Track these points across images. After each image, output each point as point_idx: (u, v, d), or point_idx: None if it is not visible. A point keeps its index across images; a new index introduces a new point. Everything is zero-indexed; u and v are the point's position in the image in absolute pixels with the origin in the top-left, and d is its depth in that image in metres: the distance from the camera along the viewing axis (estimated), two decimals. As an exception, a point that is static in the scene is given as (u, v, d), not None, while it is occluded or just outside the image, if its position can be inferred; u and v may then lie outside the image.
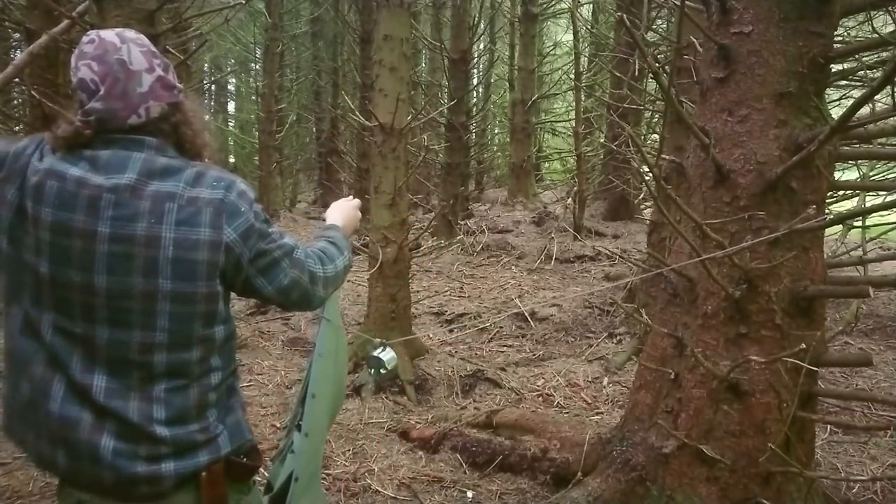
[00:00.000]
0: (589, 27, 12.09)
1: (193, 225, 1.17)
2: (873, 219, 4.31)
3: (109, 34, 1.21)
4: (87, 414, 1.16)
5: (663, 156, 2.71)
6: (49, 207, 1.13)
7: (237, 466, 1.31)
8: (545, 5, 12.73)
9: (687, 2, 2.34)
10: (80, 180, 1.14)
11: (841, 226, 4.49)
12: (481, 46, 14.80)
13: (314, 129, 18.76)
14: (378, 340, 2.17)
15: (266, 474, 2.03)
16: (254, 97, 17.24)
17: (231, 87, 23.07)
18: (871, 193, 4.29)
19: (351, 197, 1.79)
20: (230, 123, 20.67)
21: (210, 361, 1.24)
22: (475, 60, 13.56)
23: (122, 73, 1.18)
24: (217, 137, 1.45)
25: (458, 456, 3.42)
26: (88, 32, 1.22)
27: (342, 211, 1.70)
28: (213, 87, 20.47)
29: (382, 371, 2.09)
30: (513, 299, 6.51)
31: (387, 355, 2.09)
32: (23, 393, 1.19)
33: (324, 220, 1.70)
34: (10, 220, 1.15)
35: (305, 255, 1.37)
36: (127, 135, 1.19)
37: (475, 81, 14.38)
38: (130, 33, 1.23)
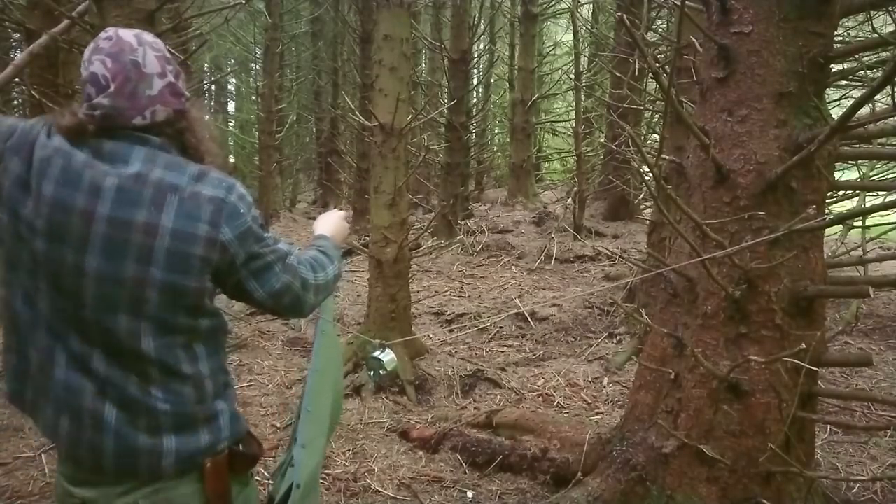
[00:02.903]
0: (589, 27, 12.09)
1: (193, 219, 1.18)
2: (873, 219, 4.31)
3: (128, 34, 1.22)
4: (89, 383, 1.18)
5: (663, 156, 2.71)
6: (52, 183, 1.14)
7: (239, 457, 1.33)
8: (545, 5, 12.71)
9: (687, 2, 2.34)
10: (87, 162, 1.16)
11: (841, 226, 4.49)
12: (481, 46, 14.79)
13: (314, 129, 18.76)
14: (377, 342, 2.18)
15: (267, 473, 2.04)
16: (254, 97, 17.22)
17: (231, 87, 23.07)
18: (871, 193, 4.28)
19: (338, 208, 1.81)
20: (230, 123, 20.66)
21: (195, 349, 1.25)
22: (475, 60, 13.54)
23: (134, 73, 1.20)
24: (221, 144, 1.46)
25: (458, 456, 3.43)
26: (107, 29, 1.24)
27: (330, 222, 1.72)
28: (213, 87, 20.48)
29: (382, 373, 2.10)
30: (513, 299, 6.51)
31: (386, 357, 2.10)
32: (31, 359, 1.20)
33: (313, 231, 1.72)
34: (11, 191, 1.16)
35: (298, 261, 1.38)
36: (132, 132, 1.21)
37: (475, 81, 14.37)
38: (148, 37, 1.25)
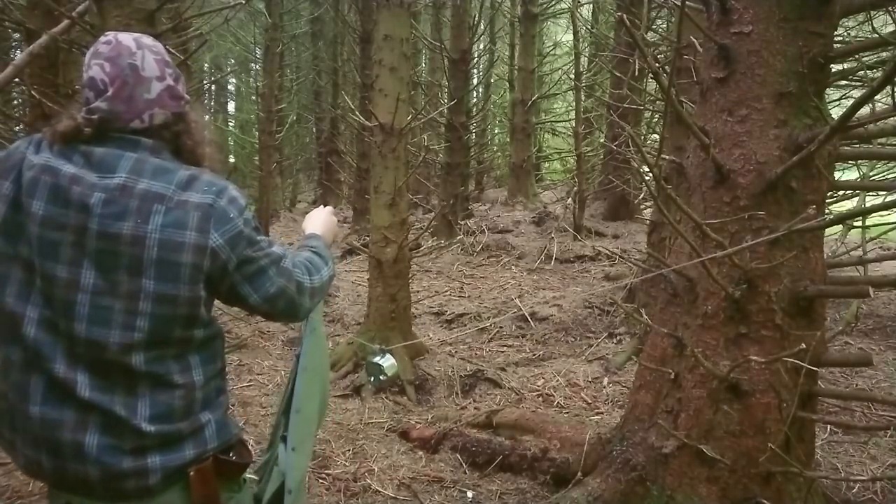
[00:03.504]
0: (589, 27, 12.09)
1: (179, 227, 1.17)
2: (873, 219, 4.31)
3: (127, 38, 1.23)
4: (69, 412, 1.16)
5: (663, 156, 2.71)
6: (41, 202, 1.14)
7: (226, 464, 1.30)
8: (545, 5, 12.71)
9: (687, 2, 2.34)
10: (74, 177, 1.15)
11: (841, 226, 4.48)
12: (481, 46, 14.80)
13: (314, 129, 18.75)
14: (378, 347, 2.17)
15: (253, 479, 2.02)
16: (254, 97, 17.21)
17: (231, 87, 23.06)
18: (871, 193, 4.28)
19: (336, 208, 1.79)
20: (230, 123, 20.66)
21: (188, 359, 1.24)
22: (475, 60, 13.54)
23: (132, 77, 1.20)
24: (220, 146, 1.45)
25: (458, 456, 3.43)
26: (107, 33, 1.24)
27: (320, 219, 1.69)
28: (213, 87, 20.46)
29: (382, 377, 2.09)
30: (513, 299, 6.51)
31: (386, 362, 2.09)
32: (8, 399, 1.19)
33: (303, 231, 1.69)
34: (5, 213, 1.16)
35: (293, 264, 1.36)
36: (124, 134, 1.21)
37: (475, 81, 14.37)
38: (147, 40, 1.25)
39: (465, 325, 5.92)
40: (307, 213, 1.78)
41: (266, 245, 1.30)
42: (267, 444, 1.68)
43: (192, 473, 1.24)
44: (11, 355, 1.17)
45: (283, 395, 1.65)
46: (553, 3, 13.17)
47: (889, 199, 2.20)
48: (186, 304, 1.19)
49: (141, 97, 1.20)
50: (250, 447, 1.47)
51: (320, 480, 3.15)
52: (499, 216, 10.64)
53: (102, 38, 1.23)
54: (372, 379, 2.15)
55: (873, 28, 2.95)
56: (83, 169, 1.16)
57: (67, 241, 1.14)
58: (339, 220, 1.79)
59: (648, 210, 8.72)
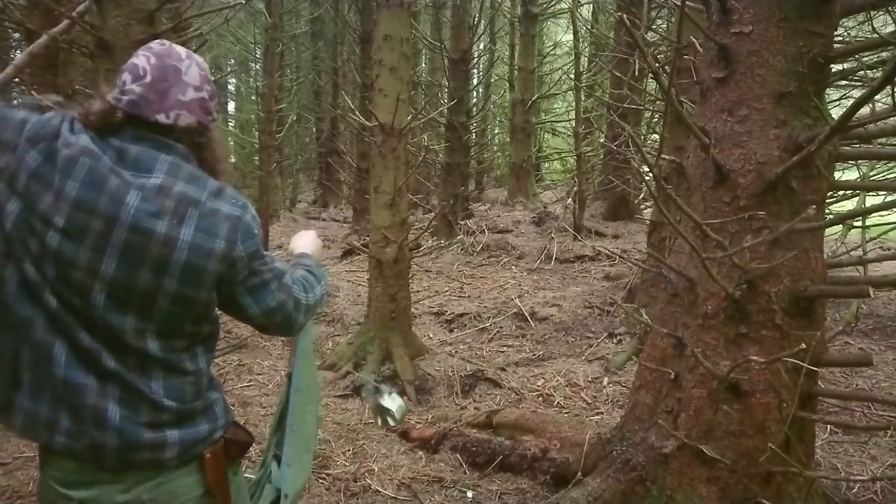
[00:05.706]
0: (589, 27, 12.09)
1: (210, 234, 1.21)
2: (873, 219, 4.30)
3: (182, 49, 1.29)
4: (92, 379, 1.18)
5: (663, 156, 2.71)
6: (77, 182, 1.15)
7: (233, 444, 1.37)
8: (545, 5, 12.73)
9: (687, 2, 2.34)
10: (113, 169, 1.17)
11: (841, 226, 4.48)
12: (481, 46, 14.79)
13: (314, 129, 18.76)
14: (380, 383, 2.13)
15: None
16: (254, 97, 17.21)
17: (231, 87, 23.04)
18: (871, 193, 4.28)
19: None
20: (230, 123, 20.63)
21: (195, 349, 1.30)
22: (475, 60, 13.55)
23: (172, 76, 1.24)
24: (233, 168, 1.51)
25: (458, 456, 3.42)
26: (163, 41, 1.30)
27: (308, 241, 1.76)
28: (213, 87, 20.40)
29: (390, 421, 2.07)
30: (513, 299, 6.51)
31: (394, 404, 2.06)
32: (21, 359, 1.19)
33: (291, 252, 1.74)
34: (29, 184, 1.15)
35: (292, 280, 1.42)
36: (158, 135, 1.23)
37: (475, 81, 14.38)
38: (198, 58, 1.32)
39: (465, 325, 5.92)
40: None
41: (270, 260, 1.36)
42: (259, 465, 1.71)
43: (207, 455, 1.30)
44: (34, 316, 1.17)
45: (275, 414, 1.68)
46: (553, 3, 13.19)
47: (889, 199, 2.20)
48: (202, 305, 1.25)
49: (174, 96, 1.23)
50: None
51: (320, 480, 3.15)
52: (499, 216, 10.64)
53: (157, 41, 1.28)
54: (380, 423, 2.12)
55: (873, 28, 2.96)
56: (116, 165, 1.18)
57: (94, 228, 1.15)
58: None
59: (648, 210, 8.72)
